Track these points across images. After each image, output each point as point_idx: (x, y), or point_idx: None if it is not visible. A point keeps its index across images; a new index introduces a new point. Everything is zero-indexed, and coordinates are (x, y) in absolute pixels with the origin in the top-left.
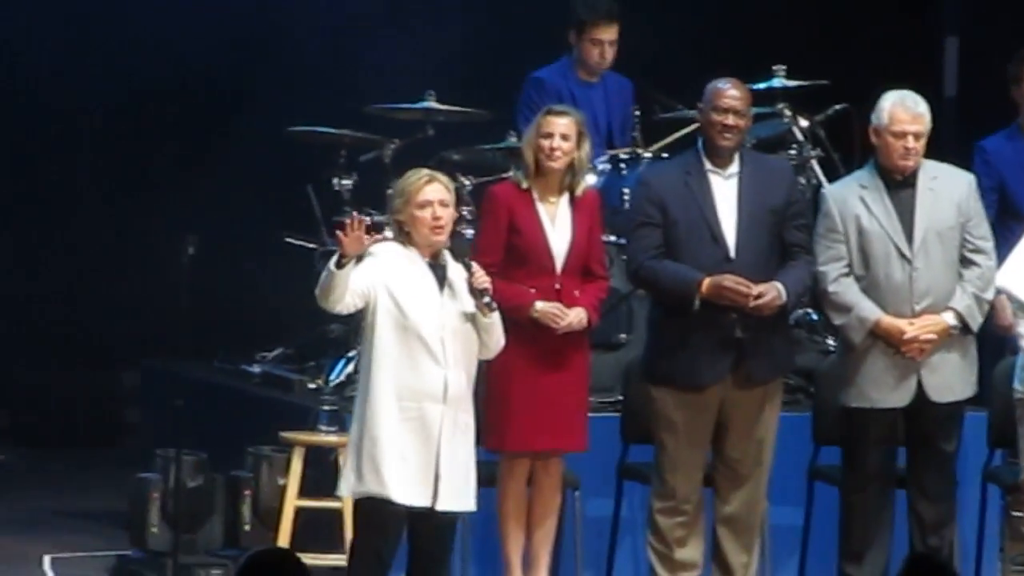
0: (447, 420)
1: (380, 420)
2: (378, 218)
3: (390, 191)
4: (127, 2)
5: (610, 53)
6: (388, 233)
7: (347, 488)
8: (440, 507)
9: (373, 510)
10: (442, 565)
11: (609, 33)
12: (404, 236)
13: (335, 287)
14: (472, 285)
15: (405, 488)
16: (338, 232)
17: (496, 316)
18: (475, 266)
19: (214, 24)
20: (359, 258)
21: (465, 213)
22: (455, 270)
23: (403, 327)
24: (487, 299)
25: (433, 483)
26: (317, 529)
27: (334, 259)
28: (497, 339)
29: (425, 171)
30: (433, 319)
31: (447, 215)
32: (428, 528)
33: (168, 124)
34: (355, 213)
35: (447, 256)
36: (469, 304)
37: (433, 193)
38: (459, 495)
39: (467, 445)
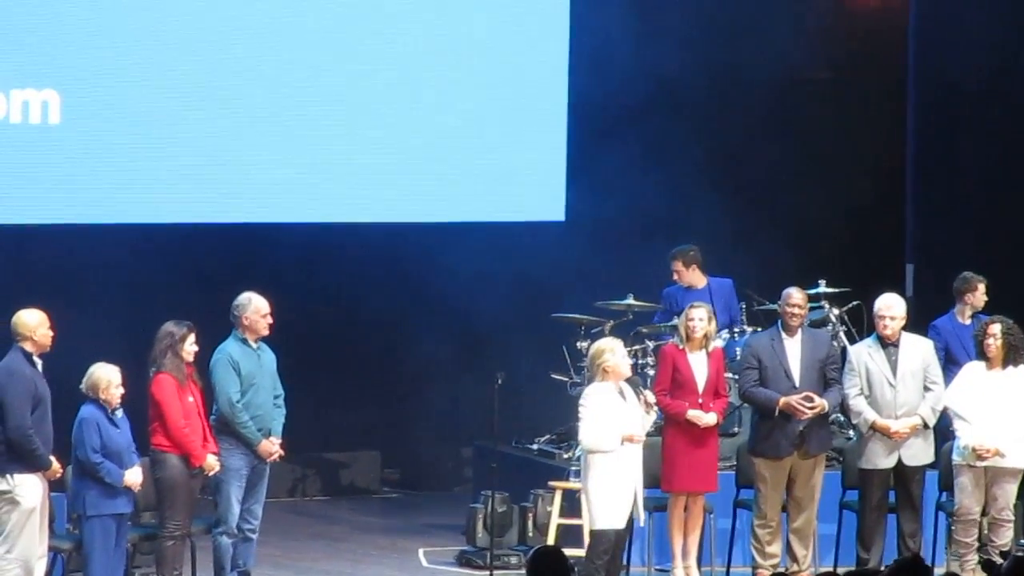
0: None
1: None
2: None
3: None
4: None
5: (685, 276)
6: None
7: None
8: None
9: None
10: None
11: (675, 265)
12: (602, 375)
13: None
14: (644, 399)
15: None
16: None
17: (654, 414)
18: (646, 392)
19: None
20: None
21: (649, 360)
22: (630, 390)
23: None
24: (652, 405)
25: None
26: (568, 534)
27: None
28: (650, 421)
29: (608, 342)
30: (621, 418)
31: (621, 365)
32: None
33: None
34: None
35: (627, 385)
36: (637, 407)
37: (609, 359)
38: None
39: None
